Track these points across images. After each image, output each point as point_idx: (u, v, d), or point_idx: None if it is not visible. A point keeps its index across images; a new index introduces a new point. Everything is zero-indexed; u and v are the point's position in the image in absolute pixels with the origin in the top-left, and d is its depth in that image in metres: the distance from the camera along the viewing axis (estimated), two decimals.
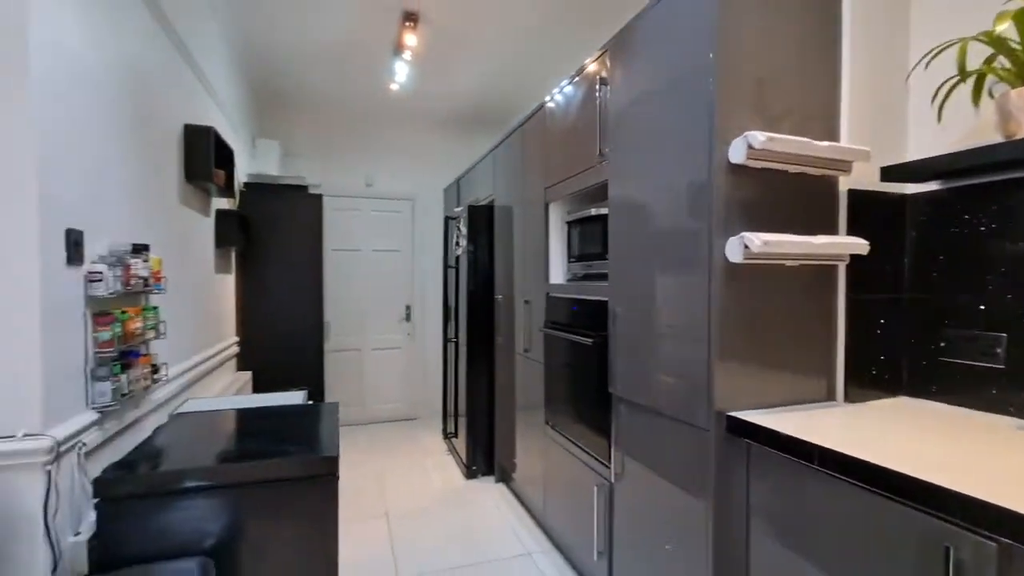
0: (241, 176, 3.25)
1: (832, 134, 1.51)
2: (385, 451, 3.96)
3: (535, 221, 2.59)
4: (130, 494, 1.23)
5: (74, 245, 1.26)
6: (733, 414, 1.36)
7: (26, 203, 1.12)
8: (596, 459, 2.01)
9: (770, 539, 1.28)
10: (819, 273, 1.48)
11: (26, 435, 1.11)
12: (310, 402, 2.03)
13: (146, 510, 1.22)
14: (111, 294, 1.39)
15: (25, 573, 1.09)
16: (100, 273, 1.36)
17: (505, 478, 3.23)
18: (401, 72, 3.42)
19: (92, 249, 1.36)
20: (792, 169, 1.41)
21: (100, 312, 1.38)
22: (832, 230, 1.50)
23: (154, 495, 1.24)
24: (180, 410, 1.87)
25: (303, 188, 3.38)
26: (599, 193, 2.03)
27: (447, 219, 3.74)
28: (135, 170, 1.68)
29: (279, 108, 4.28)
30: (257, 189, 3.30)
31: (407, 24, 2.94)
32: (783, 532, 1.24)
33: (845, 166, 1.46)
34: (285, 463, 1.36)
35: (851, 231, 1.50)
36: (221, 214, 2.74)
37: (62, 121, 1.23)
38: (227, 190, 2.58)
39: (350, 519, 2.82)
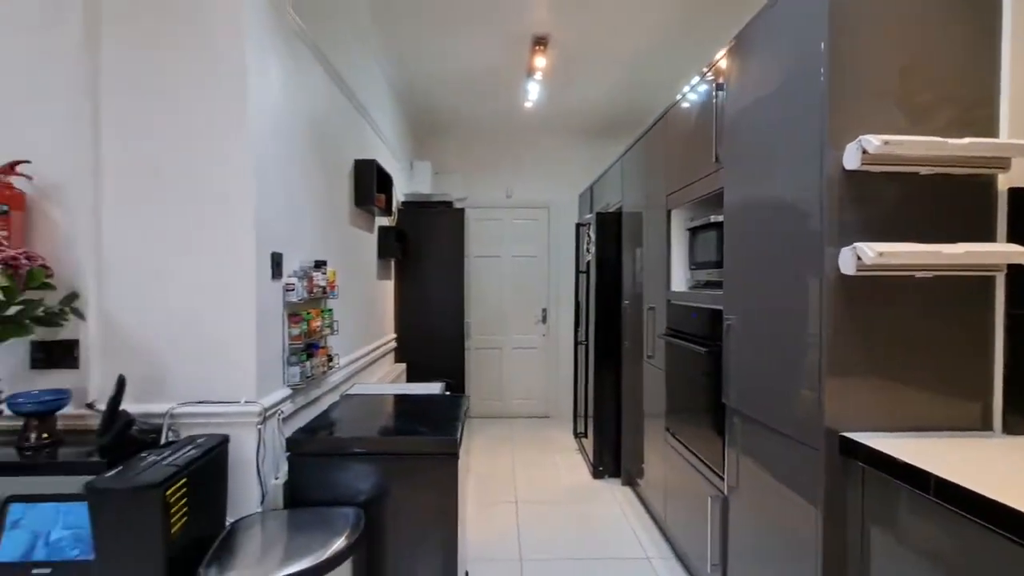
0: (399, 196, 3.80)
1: (990, 127, 1.32)
2: (519, 444, 4.25)
3: (658, 227, 2.61)
4: (311, 452, 1.62)
5: (276, 265, 1.70)
6: (848, 435, 1.29)
7: (247, 235, 1.56)
8: (711, 469, 1.98)
9: None
10: (967, 285, 1.31)
11: (247, 401, 1.55)
12: (446, 392, 2.34)
13: (320, 466, 1.60)
14: (300, 300, 1.83)
15: (245, 499, 1.53)
16: (293, 284, 1.80)
17: (631, 481, 3.27)
18: (534, 91, 3.66)
19: (288, 266, 1.81)
20: (924, 171, 1.28)
21: (292, 314, 1.82)
22: (988, 236, 1.32)
23: (327, 455, 1.62)
24: (348, 392, 2.32)
25: (448, 204, 3.82)
26: (717, 200, 2.00)
27: (578, 225, 3.88)
28: (318, 201, 2.15)
29: (431, 133, 4.86)
30: (411, 206, 3.82)
31: (537, 48, 3.16)
32: None
33: (1002, 163, 1.28)
34: (419, 441, 1.65)
35: (1013, 236, 1.30)
36: (382, 230, 3.26)
37: (268, 170, 1.68)
38: (386, 210, 3.07)
39: (483, 500, 3.13)
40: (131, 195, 1.55)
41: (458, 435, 1.66)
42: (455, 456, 1.62)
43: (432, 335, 3.71)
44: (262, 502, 1.57)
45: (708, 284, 2.22)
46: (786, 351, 1.48)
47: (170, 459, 1.31)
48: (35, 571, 1.30)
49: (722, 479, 1.89)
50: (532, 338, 5.11)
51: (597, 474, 3.45)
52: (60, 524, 1.34)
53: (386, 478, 1.61)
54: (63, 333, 1.53)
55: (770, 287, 1.56)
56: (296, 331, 1.82)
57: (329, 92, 2.29)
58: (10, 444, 1.36)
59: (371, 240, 3.08)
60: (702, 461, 2.08)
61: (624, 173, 3.29)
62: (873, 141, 1.21)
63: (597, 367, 3.43)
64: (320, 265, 2.02)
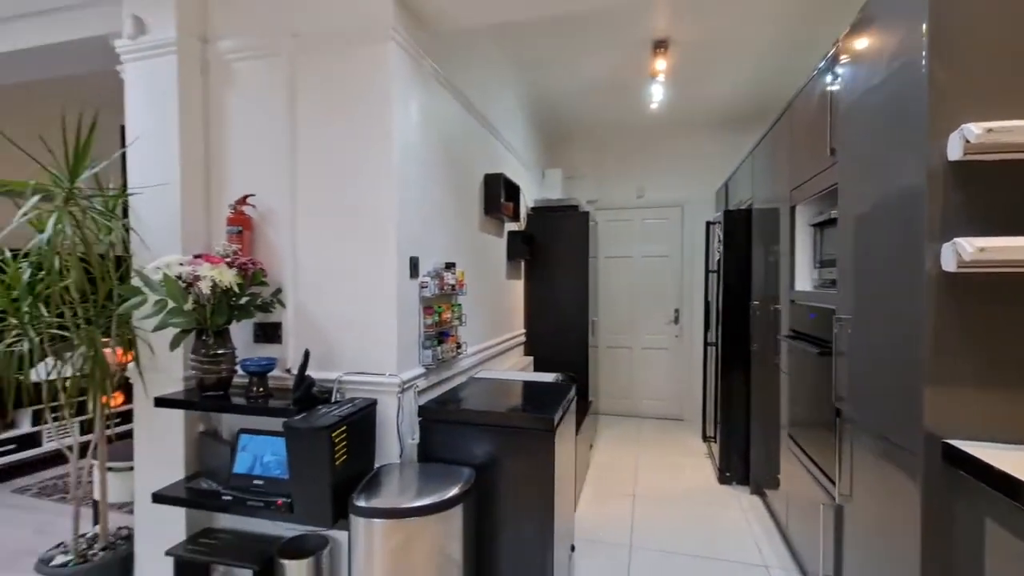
0: (529, 203, 4.13)
1: None
2: (645, 443, 4.28)
3: (783, 224, 2.51)
4: (439, 419, 1.98)
5: (413, 267, 2.11)
6: (952, 442, 1.21)
7: (390, 243, 1.97)
8: (826, 476, 1.90)
9: None
10: None
11: (390, 375, 1.96)
12: (560, 381, 2.57)
13: (445, 431, 1.95)
14: (432, 296, 2.22)
15: (388, 451, 1.95)
16: (427, 283, 2.20)
17: (760, 491, 3.13)
18: (657, 93, 3.69)
19: (423, 268, 2.21)
20: None
21: (427, 307, 2.22)
22: None
23: (450, 422, 1.96)
24: (475, 375, 2.69)
25: (574, 207, 4.03)
26: (836, 194, 1.91)
27: (708, 224, 3.80)
28: (449, 212, 2.54)
29: (561, 141, 5.12)
30: (540, 211, 4.12)
31: (657, 51, 3.21)
32: None
33: None
34: (523, 416, 1.90)
35: None
36: (511, 234, 3.61)
37: (408, 191, 2.08)
38: (514, 216, 3.41)
39: (600, 490, 3.29)
40: (313, 217, 2.07)
41: (556, 415, 1.88)
42: (551, 432, 1.84)
43: (557, 331, 3.96)
44: (400, 455, 1.97)
45: (832, 283, 2.10)
46: (890, 351, 1.41)
47: (336, 412, 1.75)
48: (255, 481, 1.85)
49: (835, 486, 1.81)
50: (663, 339, 5.07)
51: (724, 479, 3.37)
52: (270, 451, 1.88)
53: (495, 446, 1.90)
54: (272, 317, 2.11)
55: (877, 285, 1.50)
56: (429, 321, 2.21)
57: (461, 118, 2.68)
58: (240, 394, 1.95)
59: (500, 244, 3.44)
60: (818, 467, 1.99)
61: (754, 168, 3.17)
62: (974, 130, 1.14)
63: (725, 370, 3.34)
64: (450, 267, 2.41)
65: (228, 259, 1.90)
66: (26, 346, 1.97)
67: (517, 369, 3.45)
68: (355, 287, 2.02)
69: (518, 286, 3.89)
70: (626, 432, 4.59)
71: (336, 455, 1.65)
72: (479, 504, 1.88)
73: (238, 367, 1.96)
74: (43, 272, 1.93)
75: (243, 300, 1.93)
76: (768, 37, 3.09)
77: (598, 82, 3.76)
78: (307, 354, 1.91)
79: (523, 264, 4.00)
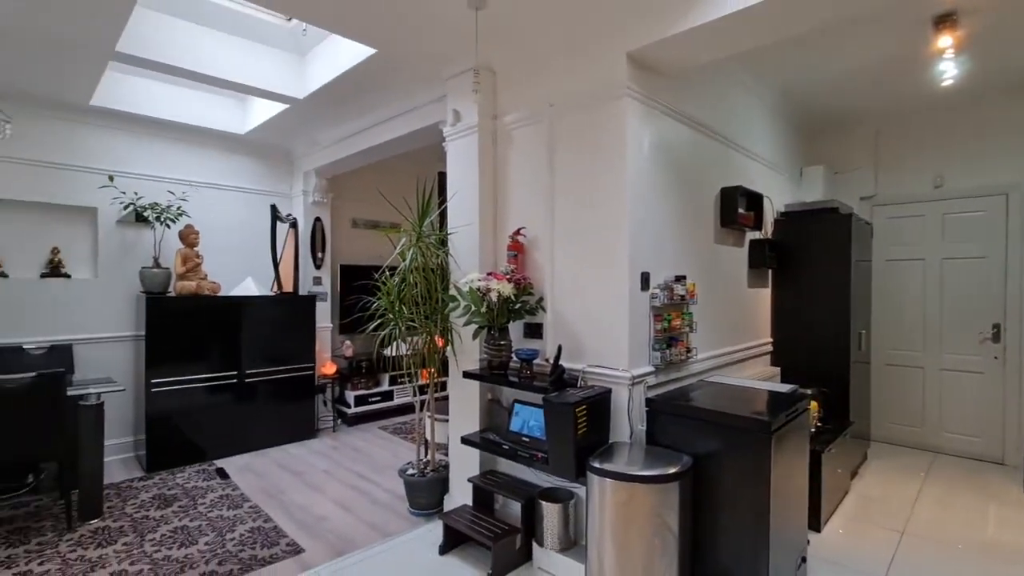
0: (779, 207, 3.98)
1: None
2: (935, 479, 3.62)
3: None
4: (663, 411, 2.32)
5: (644, 281, 2.49)
6: None
7: (623, 260, 2.40)
8: None
9: None
10: None
11: (622, 370, 2.39)
12: (793, 392, 2.56)
13: (668, 422, 2.28)
14: (662, 305, 2.56)
15: (619, 432, 2.39)
16: (656, 294, 2.55)
17: None
18: (949, 69, 3.13)
19: (653, 281, 2.57)
20: None
21: (656, 314, 2.56)
22: None
23: (673, 415, 2.28)
24: (706, 379, 2.88)
25: (833, 210, 3.70)
26: None
27: None
28: (680, 228, 2.82)
29: (823, 134, 4.66)
30: (792, 216, 3.91)
31: (941, 27, 2.78)
32: None
33: None
34: (741, 417, 2.08)
35: None
36: (754, 243, 3.59)
37: (639, 213, 2.47)
38: (756, 226, 3.41)
39: (858, 517, 3.02)
40: (565, 241, 2.66)
41: (775, 420, 2.00)
42: (768, 435, 1.97)
43: (811, 343, 3.71)
44: (630, 437, 2.38)
45: None
46: None
47: (580, 394, 2.28)
48: (523, 438, 2.54)
49: None
50: (976, 360, 4.11)
51: None
52: (533, 418, 2.54)
53: (713, 439, 2.13)
54: (536, 319, 2.78)
55: None
56: (659, 327, 2.55)
57: (691, 140, 2.91)
58: (515, 374, 2.66)
59: (740, 253, 3.48)
60: None
61: None
62: None
63: None
64: (680, 279, 2.69)
65: (508, 276, 2.64)
66: (395, 332, 3.12)
67: (761, 378, 3.43)
68: (595, 297, 2.52)
69: (762, 295, 3.81)
70: (910, 465, 3.92)
71: (579, 426, 2.17)
72: (695, 487, 2.14)
73: (513, 355, 2.69)
74: (404, 284, 3.03)
75: (517, 306, 2.64)
76: None
77: (865, 69, 3.41)
78: (560, 348, 2.50)
79: (769, 272, 3.89)
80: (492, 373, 2.70)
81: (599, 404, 2.33)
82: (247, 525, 3.00)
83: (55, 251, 3.98)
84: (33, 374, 2.76)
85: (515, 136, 2.91)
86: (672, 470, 2.02)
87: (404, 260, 3.00)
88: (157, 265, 4.13)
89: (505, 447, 2.59)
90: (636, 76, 2.44)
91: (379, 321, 3.16)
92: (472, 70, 2.81)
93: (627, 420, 2.38)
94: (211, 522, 3.03)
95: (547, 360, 2.67)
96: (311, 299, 4.83)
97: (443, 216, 3.21)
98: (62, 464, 3.03)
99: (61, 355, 3.86)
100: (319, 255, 5.20)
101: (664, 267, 2.67)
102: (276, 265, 4.75)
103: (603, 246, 2.49)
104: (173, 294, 4.13)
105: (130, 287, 4.21)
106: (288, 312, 4.64)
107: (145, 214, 4.10)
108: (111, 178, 4.03)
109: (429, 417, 3.36)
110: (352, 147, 4.29)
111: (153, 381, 3.89)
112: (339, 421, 5.17)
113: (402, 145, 4.03)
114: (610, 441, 2.39)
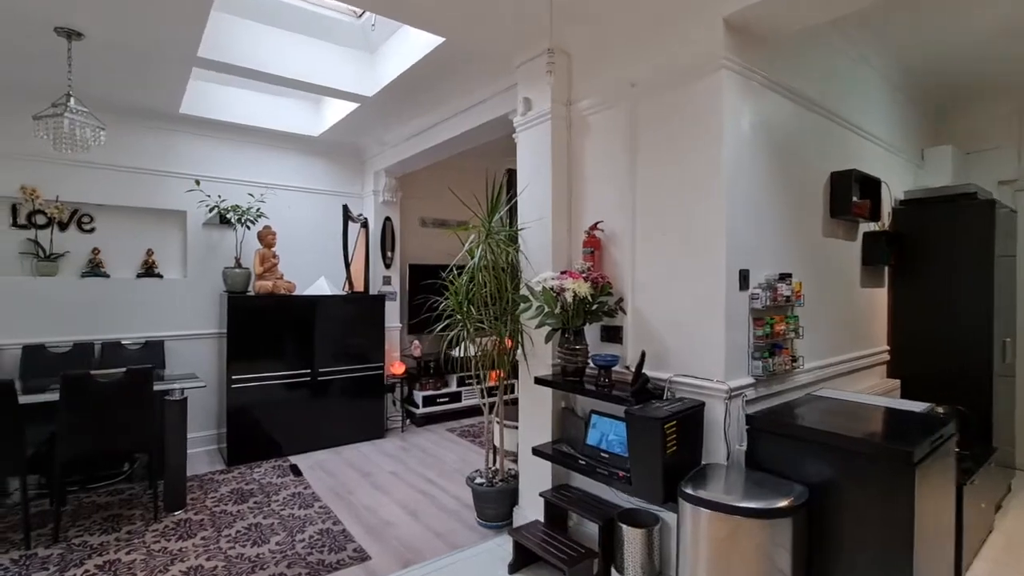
0: (898, 195, 3.44)
1: None
2: None
3: None
4: (768, 430, 1.99)
5: (743, 279, 2.17)
6: None
7: (718, 256, 2.10)
8: None
9: None
10: None
11: (717, 381, 2.09)
12: (934, 413, 2.13)
13: (775, 443, 1.95)
14: (763, 307, 2.22)
15: (714, 452, 2.09)
16: (757, 294, 2.21)
17: None
18: None
19: (753, 280, 2.23)
20: None
21: (757, 318, 2.23)
22: None
23: (781, 435, 1.95)
24: (816, 392, 2.49)
25: (971, 195, 3.14)
26: None
27: None
28: (785, 218, 2.45)
29: (950, 111, 4.02)
30: (915, 205, 3.37)
31: None
32: None
33: None
34: (872, 443, 1.72)
35: None
36: (868, 236, 3.11)
37: (737, 205, 2.15)
38: (872, 216, 2.94)
39: (1006, 560, 2.50)
40: (647, 236, 2.38)
41: (917, 448, 1.63)
42: (910, 467, 1.60)
43: (939, 352, 3.16)
44: (727, 459, 2.07)
45: None
46: None
47: (668, 407, 2.01)
48: (601, 453, 2.29)
49: None
50: None
51: None
52: (613, 431, 2.30)
53: (834, 469, 1.78)
54: (615, 322, 2.53)
55: None
56: (760, 333, 2.22)
57: (797, 118, 2.53)
58: (592, 382, 2.42)
59: (852, 248, 3.02)
60: None
61: None
62: None
63: None
64: (784, 277, 2.33)
65: (584, 274, 2.41)
66: (463, 333, 2.98)
67: (875, 392, 2.96)
68: (685, 297, 2.23)
69: (878, 295, 3.30)
70: None
71: (668, 444, 1.90)
72: (812, 525, 1.80)
73: (590, 360, 2.45)
74: (472, 283, 2.88)
75: (594, 307, 2.40)
76: None
77: (1008, 30, 2.85)
78: (643, 355, 2.23)
79: (886, 270, 3.38)
80: (566, 380, 2.48)
81: (690, 420, 2.04)
82: (316, 526, 2.97)
83: (149, 252, 4.23)
84: (123, 370, 2.88)
85: (591, 122, 2.67)
86: (784, 503, 1.71)
87: (472, 258, 2.85)
88: (238, 265, 4.27)
89: (582, 462, 2.36)
90: (734, 44, 2.13)
91: (447, 322, 3.04)
92: (546, 51, 2.61)
93: (723, 439, 2.08)
94: (283, 521, 3.04)
95: (627, 367, 2.41)
96: (380, 298, 4.84)
97: (513, 212, 3.03)
98: (151, 455, 3.17)
99: (154, 351, 4.08)
100: (388, 254, 5.21)
101: (765, 264, 2.33)
102: (348, 264, 4.80)
103: (694, 240, 2.20)
104: (252, 293, 4.26)
105: (214, 286, 4.39)
106: (358, 311, 4.67)
107: (228, 216, 4.26)
108: (197, 182, 4.21)
109: (498, 423, 3.20)
110: (420, 144, 4.23)
111: (233, 377, 4.02)
112: (407, 421, 5.15)
113: (470, 140, 3.90)
114: (703, 462, 2.09)
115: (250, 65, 3.24)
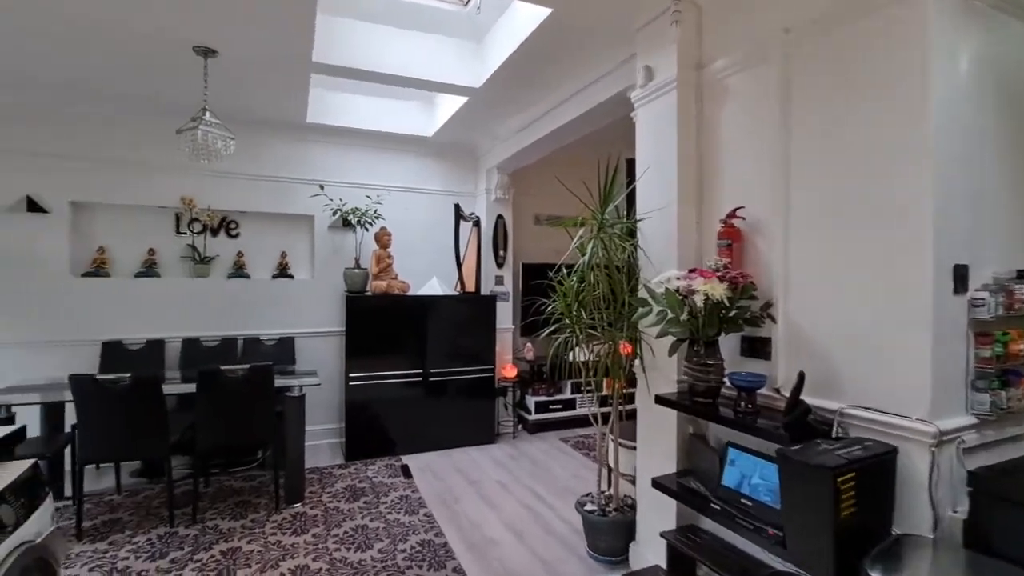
0: None
1: None
2: None
3: None
4: (1002, 496, 1.38)
5: (959, 278, 1.55)
6: None
7: (922, 248, 1.51)
8: None
9: None
10: None
11: (918, 419, 1.51)
12: None
13: (1016, 515, 1.33)
14: (991, 318, 1.57)
15: (912, 518, 1.50)
16: (982, 299, 1.57)
17: None
18: None
19: (975, 279, 1.60)
20: None
21: (980, 332, 1.59)
22: None
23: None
24: None
25: None
26: None
27: None
28: (1016, 194, 1.75)
29: None
30: None
31: None
32: None
33: None
34: None
35: None
36: None
37: (951, 179, 1.54)
38: None
39: None
40: (809, 225, 1.85)
41: None
42: None
43: None
44: (934, 530, 1.48)
45: None
46: None
47: (842, 451, 1.49)
48: (742, 500, 1.82)
49: None
50: None
51: None
52: (757, 474, 1.80)
53: None
54: (760, 332, 2.02)
55: None
56: (986, 353, 1.58)
57: None
58: (728, 407, 1.95)
59: None
60: None
61: None
62: None
63: None
64: (1023, 275, 1.64)
65: (719, 273, 1.95)
66: (572, 339, 2.65)
67: None
68: (865, 302, 1.67)
69: None
70: None
71: (843, 503, 1.39)
72: None
73: (726, 379, 1.97)
74: (584, 284, 2.54)
75: (732, 313, 1.93)
76: None
77: None
78: (802, 376, 1.72)
79: None
80: (695, 402, 2.03)
81: (876, 471, 1.49)
82: (419, 536, 2.86)
83: (283, 255, 4.54)
84: (247, 366, 3.03)
85: (729, 86, 2.18)
86: None
87: (583, 255, 2.51)
88: (357, 266, 4.40)
89: (716, 507, 1.90)
90: None
91: (555, 326, 2.74)
92: (671, 6, 2.18)
93: (928, 501, 1.49)
94: (388, 526, 2.97)
95: (777, 390, 1.90)
96: (492, 299, 4.69)
97: (630, 203, 2.63)
98: (275, 448, 3.32)
99: (286, 346, 4.36)
100: (501, 253, 5.05)
101: (992, 257, 1.66)
102: (459, 264, 4.73)
103: (881, 224, 1.63)
104: (369, 293, 4.36)
105: (337, 286, 4.58)
106: (470, 312, 4.57)
107: (349, 219, 4.41)
108: (321, 187, 4.43)
109: (612, 440, 2.82)
110: (532, 135, 3.98)
111: (351, 375, 4.13)
112: (519, 427, 4.95)
113: (584, 125, 3.56)
114: (895, 532, 1.52)
115: (361, 66, 3.24)
